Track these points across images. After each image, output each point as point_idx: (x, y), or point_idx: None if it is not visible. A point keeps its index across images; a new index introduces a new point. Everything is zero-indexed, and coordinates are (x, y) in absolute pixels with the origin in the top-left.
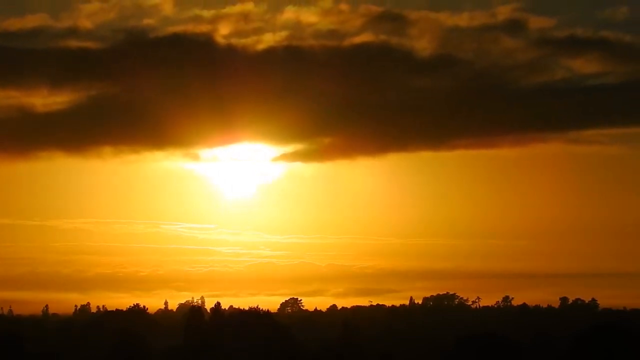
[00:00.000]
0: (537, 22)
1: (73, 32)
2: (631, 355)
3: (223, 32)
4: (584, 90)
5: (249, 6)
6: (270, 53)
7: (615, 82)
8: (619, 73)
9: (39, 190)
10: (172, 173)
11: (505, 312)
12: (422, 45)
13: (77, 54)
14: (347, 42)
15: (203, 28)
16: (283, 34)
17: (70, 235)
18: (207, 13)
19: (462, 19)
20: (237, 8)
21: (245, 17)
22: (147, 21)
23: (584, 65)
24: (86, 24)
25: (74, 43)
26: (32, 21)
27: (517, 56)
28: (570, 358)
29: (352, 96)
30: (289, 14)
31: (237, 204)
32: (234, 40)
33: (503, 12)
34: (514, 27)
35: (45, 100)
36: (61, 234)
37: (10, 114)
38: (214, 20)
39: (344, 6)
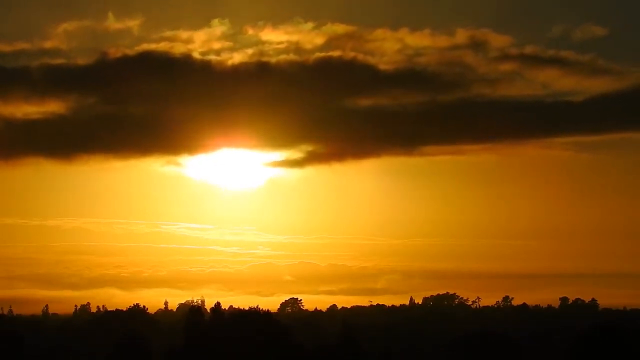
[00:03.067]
0: (496, 40)
1: (53, 52)
2: (631, 355)
3: (196, 49)
4: (548, 103)
5: (219, 27)
6: (242, 69)
7: (578, 99)
8: (579, 90)
9: (39, 191)
10: (169, 175)
11: (505, 312)
12: (387, 60)
13: (59, 71)
14: (315, 57)
15: (177, 47)
16: (253, 51)
17: (70, 235)
18: (178, 34)
19: (424, 36)
20: (208, 29)
21: (215, 36)
22: (122, 41)
23: (547, 81)
24: (64, 44)
25: (56, 61)
26: (16, 45)
27: (480, 71)
28: (570, 358)
29: (326, 108)
30: (257, 32)
31: (238, 205)
32: (207, 57)
33: (462, 31)
34: (474, 44)
35: (28, 111)
36: (61, 234)
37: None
38: (187, 40)
39: (309, 25)
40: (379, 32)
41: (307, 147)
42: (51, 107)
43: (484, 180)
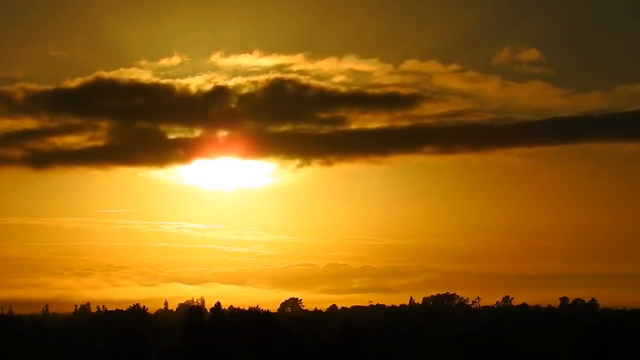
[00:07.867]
0: (443, 68)
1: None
2: (631, 355)
3: (159, 75)
4: (501, 119)
5: (179, 56)
6: (206, 92)
7: (530, 118)
8: (528, 110)
9: (40, 191)
10: (167, 176)
11: (505, 312)
12: (338, 81)
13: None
14: (268, 80)
15: (142, 74)
16: (210, 76)
17: (70, 235)
18: (141, 62)
19: (372, 64)
20: (171, 60)
21: (175, 64)
22: (89, 67)
23: (498, 102)
24: (35, 71)
25: (30, 85)
26: None
27: (429, 92)
28: (570, 358)
29: (293, 121)
30: (213, 60)
31: (238, 205)
32: (171, 81)
33: (406, 62)
34: (420, 71)
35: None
36: (61, 234)
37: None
38: (151, 67)
39: (260, 53)
40: (329, 59)
41: (290, 154)
42: (26, 124)
43: (480, 182)
